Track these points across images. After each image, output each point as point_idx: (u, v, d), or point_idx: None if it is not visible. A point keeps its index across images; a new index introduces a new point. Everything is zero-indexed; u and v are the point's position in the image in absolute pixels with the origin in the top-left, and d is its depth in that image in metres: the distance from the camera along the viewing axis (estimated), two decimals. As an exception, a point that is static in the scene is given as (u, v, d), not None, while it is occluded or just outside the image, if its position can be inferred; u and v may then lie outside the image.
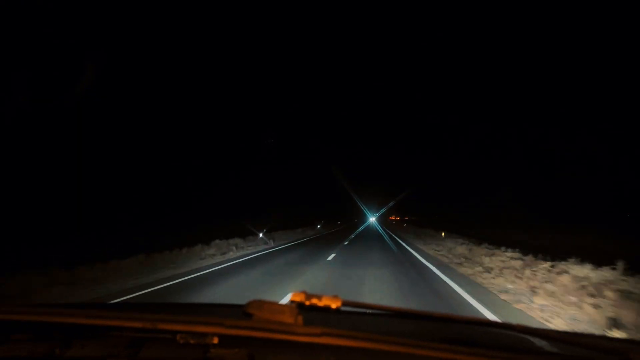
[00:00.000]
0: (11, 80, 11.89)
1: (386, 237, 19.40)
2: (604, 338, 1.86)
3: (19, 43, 12.24)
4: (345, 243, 15.52)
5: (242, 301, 0.81)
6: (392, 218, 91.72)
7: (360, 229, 30.64)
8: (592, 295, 4.12)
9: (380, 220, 70.05)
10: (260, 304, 0.70)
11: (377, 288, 5.53)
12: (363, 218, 73.40)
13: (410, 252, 11.27)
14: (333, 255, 10.45)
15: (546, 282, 5.12)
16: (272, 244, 15.43)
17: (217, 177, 27.18)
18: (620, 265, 4.72)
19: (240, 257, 10.59)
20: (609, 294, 3.90)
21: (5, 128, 11.73)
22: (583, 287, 4.44)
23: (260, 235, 16.94)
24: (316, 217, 35.30)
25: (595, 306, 3.85)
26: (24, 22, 12.36)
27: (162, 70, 22.58)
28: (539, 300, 4.57)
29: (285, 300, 2.17)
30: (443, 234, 16.35)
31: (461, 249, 10.53)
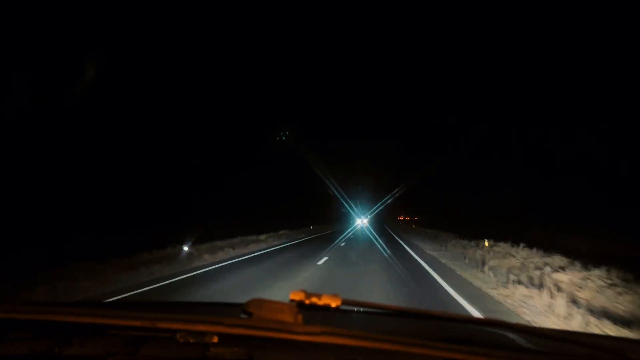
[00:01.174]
0: (11, 80, 11.88)
1: None
2: (603, 337, 1.86)
3: (19, 43, 12.23)
4: None
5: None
6: (401, 218, 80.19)
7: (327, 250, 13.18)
8: None
9: (376, 222, 58.66)
10: (260, 302, 0.70)
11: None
12: (354, 219, 60.31)
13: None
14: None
15: None
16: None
17: (217, 177, 27.12)
18: None
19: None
20: None
21: (5, 128, 11.71)
22: None
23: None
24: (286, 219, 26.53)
25: None
26: (24, 22, 12.36)
27: (162, 71, 22.57)
28: None
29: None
30: None
31: None
